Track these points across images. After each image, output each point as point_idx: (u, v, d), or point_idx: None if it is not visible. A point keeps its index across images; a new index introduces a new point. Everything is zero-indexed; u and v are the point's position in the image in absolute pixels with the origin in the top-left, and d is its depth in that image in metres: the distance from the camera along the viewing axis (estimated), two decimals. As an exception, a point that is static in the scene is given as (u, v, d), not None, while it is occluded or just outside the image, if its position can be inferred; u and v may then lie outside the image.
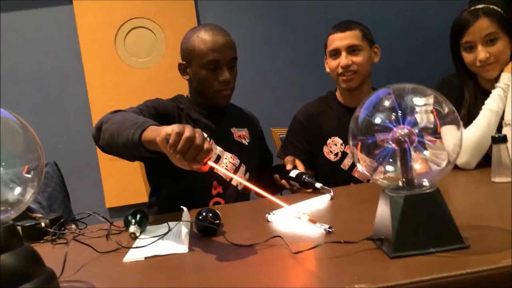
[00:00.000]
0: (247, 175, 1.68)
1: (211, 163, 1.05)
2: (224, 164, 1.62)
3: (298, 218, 1.15)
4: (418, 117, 0.90)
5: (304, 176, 1.55)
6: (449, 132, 0.92)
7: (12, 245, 0.81)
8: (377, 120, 0.90)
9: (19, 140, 0.88)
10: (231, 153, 1.65)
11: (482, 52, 1.59)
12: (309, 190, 1.53)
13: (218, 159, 1.62)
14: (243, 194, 1.66)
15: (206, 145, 1.01)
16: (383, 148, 0.89)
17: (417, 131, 0.87)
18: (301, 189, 1.56)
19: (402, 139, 0.87)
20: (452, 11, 1.71)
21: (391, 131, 0.88)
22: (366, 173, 0.92)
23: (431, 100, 0.91)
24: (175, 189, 1.59)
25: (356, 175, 1.78)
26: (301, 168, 1.62)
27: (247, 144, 1.72)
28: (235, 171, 1.63)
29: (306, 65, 2.92)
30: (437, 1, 2.85)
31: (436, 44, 2.72)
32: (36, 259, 0.84)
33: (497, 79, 1.61)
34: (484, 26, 1.59)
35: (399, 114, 0.90)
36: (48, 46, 2.89)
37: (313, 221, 1.10)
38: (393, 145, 0.88)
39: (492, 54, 1.59)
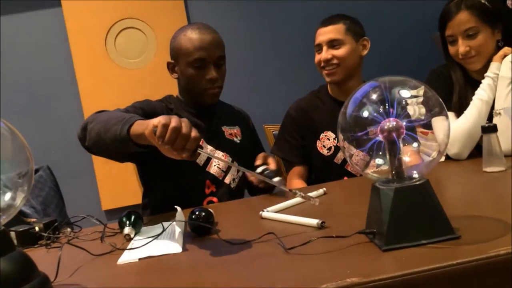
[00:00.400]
0: (240, 172, 1.69)
1: (201, 151, 1.05)
2: (216, 163, 1.62)
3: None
4: (406, 109, 0.91)
5: (263, 171, 1.50)
6: (438, 123, 0.92)
7: (4, 250, 0.81)
8: (365, 113, 0.91)
9: (7, 145, 0.88)
10: (222, 151, 1.65)
11: (462, 46, 1.60)
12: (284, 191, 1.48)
13: (209, 159, 1.62)
14: (237, 192, 1.66)
15: (193, 133, 1.01)
16: (372, 142, 0.90)
17: (405, 123, 0.87)
18: (269, 186, 1.51)
19: (390, 132, 0.88)
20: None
21: (379, 124, 0.89)
22: (357, 167, 0.93)
23: (420, 91, 0.91)
24: (168, 189, 1.59)
25: (349, 169, 1.78)
26: (272, 165, 1.56)
27: (238, 141, 1.71)
28: (227, 170, 1.63)
29: (298, 61, 2.93)
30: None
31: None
32: (29, 263, 0.84)
33: (485, 68, 1.62)
34: (463, 20, 1.59)
35: (387, 107, 0.90)
36: (39, 50, 2.88)
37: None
38: (382, 138, 0.88)
39: (473, 47, 1.60)
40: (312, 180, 1.86)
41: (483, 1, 1.60)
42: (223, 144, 1.66)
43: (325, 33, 1.80)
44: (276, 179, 1.43)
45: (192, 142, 1.01)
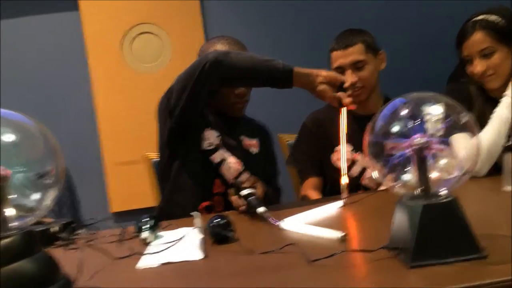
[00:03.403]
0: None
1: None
2: (228, 168, 1.63)
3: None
4: (435, 125, 0.91)
5: (250, 197, 1.39)
6: (464, 140, 0.92)
7: (30, 251, 0.81)
8: (394, 129, 0.91)
9: (38, 145, 0.88)
10: (236, 158, 1.65)
11: (478, 66, 1.61)
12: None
13: (223, 161, 1.64)
14: None
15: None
16: (400, 157, 0.90)
17: (435, 140, 0.87)
18: (249, 210, 1.41)
19: (419, 148, 0.87)
20: (459, 14, 1.71)
21: (408, 140, 0.89)
22: (385, 182, 0.92)
23: (448, 108, 0.91)
24: (181, 175, 1.64)
25: (364, 183, 1.78)
26: (259, 191, 1.50)
27: (254, 153, 1.72)
28: (237, 177, 1.64)
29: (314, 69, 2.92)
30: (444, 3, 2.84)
31: (441, 47, 2.74)
32: (53, 265, 0.84)
33: (503, 87, 1.62)
34: (478, 40, 1.60)
35: (416, 123, 0.90)
36: (55, 51, 2.91)
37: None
38: (411, 154, 0.88)
39: (490, 67, 1.61)
40: (326, 192, 1.86)
41: (498, 20, 1.61)
42: (239, 152, 1.67)
43: (346, 56, 1.76)
44: (261, 209, 1.32)
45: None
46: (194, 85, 1.49)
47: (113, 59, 2.93)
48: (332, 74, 1.51)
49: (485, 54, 1.61)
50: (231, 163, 1.64)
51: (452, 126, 0.91)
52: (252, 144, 1.74)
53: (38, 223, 1.41)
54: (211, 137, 1.64)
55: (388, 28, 2.89)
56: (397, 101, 0.93)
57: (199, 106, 1.59)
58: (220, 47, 1.62)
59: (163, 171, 1.71)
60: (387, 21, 2.95)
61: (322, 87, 1.48)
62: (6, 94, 2.75)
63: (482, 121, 1.62)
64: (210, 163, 1.63)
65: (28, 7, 2.86)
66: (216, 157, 1.63)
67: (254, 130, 1.79)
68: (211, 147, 1.63)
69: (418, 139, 0.87)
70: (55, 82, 2.91)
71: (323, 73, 1.48)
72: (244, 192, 1.41)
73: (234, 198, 1.48)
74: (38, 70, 2.89)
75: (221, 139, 1.65)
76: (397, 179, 0.94)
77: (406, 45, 3.00)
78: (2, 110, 0.88)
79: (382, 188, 1.75)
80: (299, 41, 3.01)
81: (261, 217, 1.30)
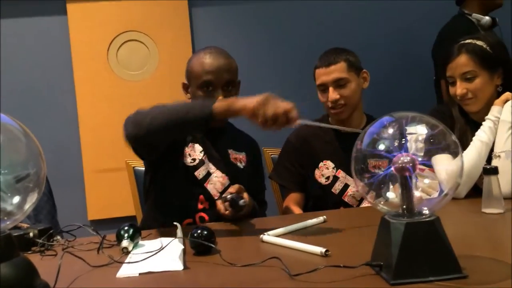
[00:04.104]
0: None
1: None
2: (213, 182, 1.62)
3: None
4: (419, 145, 0.92)
5: (232, 197, 1.42)
6: (446, 161, 0.94)
7: (9, 255, 0.80)
8: (380, 147, 0.92)
9: (21, 148, 0.87)
10: (222, 172, 1.64)
11: (459, 88, 1.66)
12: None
13: (208, 175, 1.62)
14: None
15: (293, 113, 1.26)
16: (384, 175, 0.90)
17: (420, 159, 0.89)
18: (234, 208, 1.44)
19: (403, 167, 0.89)
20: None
21: (393, 158, 0.90)
22: (368, 199, 0.93)
23: (434, 129, 0.93)
24: (164, 193, 1.63)
25: (346, 199, 1.79)
26: (246, 197, 1.49)
27: (242, 167, 1.71)
28: (222, 191, 1.63)
29: (299, 84, 2.93)
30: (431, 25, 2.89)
31: (425, 69, 2.80)
32: (32, 270, 0.83)
33: (484, 111, 1.65)
34: (462, 63, 1.65)
35: (401, 142, 0.91)
36: (40, 55, 2.87)
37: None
38: (395, 172, 0.89)
39: (470, 90, 1.65)
40: (309, 208, 1.86)
41: (484, 46, 1.66)
42: (225, 166, 1.66)
43: (328, 73, 1.78)
44: (242, 201, 1.41)
45: (292, 122, 1.26)
46: (136, 143, 1.50)
47: (99, 65, 2.91)
48: (253, 113, 1.28)
49: (467, 78, 1.65)
50: (217, 178, 1.62)
51: (436, 147, 0.93)
52: (240, 158, 1.72)
53: (14, 227, 1.38)
54: (194, 152, 1.63)
55: (373, 48, 2.94)
56: (384, 119, 0.94)
57: (156, 152, 1.56)
58: (202, 56, 1.62)
59: (147, 191, 1.70)
60: (372, 40, 3.00)
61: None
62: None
63: (463, 143, 1.65)
64: (194, 178, 1.61)
65: (17, 9, 2.83)
66: (200, 172, 1.61)
67: (242, 144, 1.78)
68: (195, 163, 1.62)
69: (402, 157, 0.89)
70: (39, 85, 2.87)
71: (248, 108, 1.28)
72: (228, 196, 1.43)
73: (218, 203, 1.49)
74: (22, 72, 2.84)
75: (205, 154, 1.64)
76: (380, 196, 0.95)
77: (390, 65, 3.05)
78: (-14, 111, 0.86)
79: (364, 205, 1.77)
80: (289, 50, 3.03)
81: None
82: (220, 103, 1.35)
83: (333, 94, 1.78)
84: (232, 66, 1.65)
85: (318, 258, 1.04)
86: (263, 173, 1.86)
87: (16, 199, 0.84)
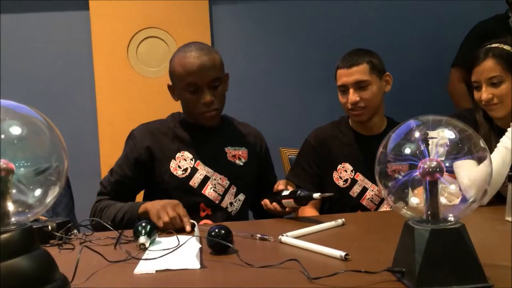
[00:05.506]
0: (240, 195, 1.66)
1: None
2: (212, 185, 1.60)
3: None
4: (446, 149, 0.90)
5: (299, 192, 1.46)
6: (470, 167, 0.92)
7: (29, 248, 0.79)
8: (406, 151, 0.90)
9: (45, 141, 0.87)
10: (221, 174, 1.62)
11: (484, 93, 1.62)
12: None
13: (206, 180, 1.60)
14: (236, 217, 1.62)
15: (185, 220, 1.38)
16: (410, 180, 0.89)
17: (447, 164, 0.86)
18: (295, 208, 1.49)
19: (431, 172, 0.86)
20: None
21: (419, 162, 0.88)
22: (392, 203, 0.91)
23: (461, 133, 0.91)
24: None
25: (364, 203, 1.77)
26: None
27: (241, 164, 1.67)
28: (224, 193, 1.61)
29: (317, 84, 2.91)
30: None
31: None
32: (51, 264, 0.82)
33: (509, 117, 1.62)
34: (488, 68, 1.61)
35: (428, 147, 0.89)
36: (61, 49, 2.89)
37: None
38: (421, 178, 0.87)
39: (496, 95, 1.61)
40: (325, 210, 1.84)
41: (511, 50, 1.62)
42: (223, 166, 1.63)
43: (349, 75, 1.75)
44: (316, 195, 1.41)
45: (186, 222, 1.37)
46: None
47: (119, 60, 2.92)
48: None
49: (493, 83, 1.61)
50: (216, 180, 1.60)
51: (464, 151, 0.91)
52: (239, 155, 1.68)
53: (34, 220, 1.39)
54: (184, 161, 1.61)
55: (399, 49, 2.90)
56: (410, 122, 0.92)
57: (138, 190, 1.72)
58: (182, 57, 1.57)
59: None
60: (396, 44, 2.95)
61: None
62: (10, 88, 2.73)
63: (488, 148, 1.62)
64: (191, 188, 1.59)
65: (40, 4, 2.85)
66: (195, 181, 1.59)
67: (242, 138, 1.73)
68: (186, 174, 1.59)
69: (429, 162, 0.87)
70: (59, 80, 2.89)
71: (165, 219, 1.38)
72: (288, 191, 1.48)
73: (274, 204, 1.51)
74: (42, 67, 2.87)
75: (196, 160, 1.61)
76: (404, 201, 0.93)
77: (414, 70, 2.99)
78: (11, 103, 0.86)
79: (382, 209, 1.75)
80: (310, 50, 2.99)
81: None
82: (141, 210, 1.48)
83: (353, 96, 1.75)
84: (215, 62, 1.58)
85: (337, 261, 1.02)
86: (272, 165, 1.84)
87: (38, 192, 0.84)
